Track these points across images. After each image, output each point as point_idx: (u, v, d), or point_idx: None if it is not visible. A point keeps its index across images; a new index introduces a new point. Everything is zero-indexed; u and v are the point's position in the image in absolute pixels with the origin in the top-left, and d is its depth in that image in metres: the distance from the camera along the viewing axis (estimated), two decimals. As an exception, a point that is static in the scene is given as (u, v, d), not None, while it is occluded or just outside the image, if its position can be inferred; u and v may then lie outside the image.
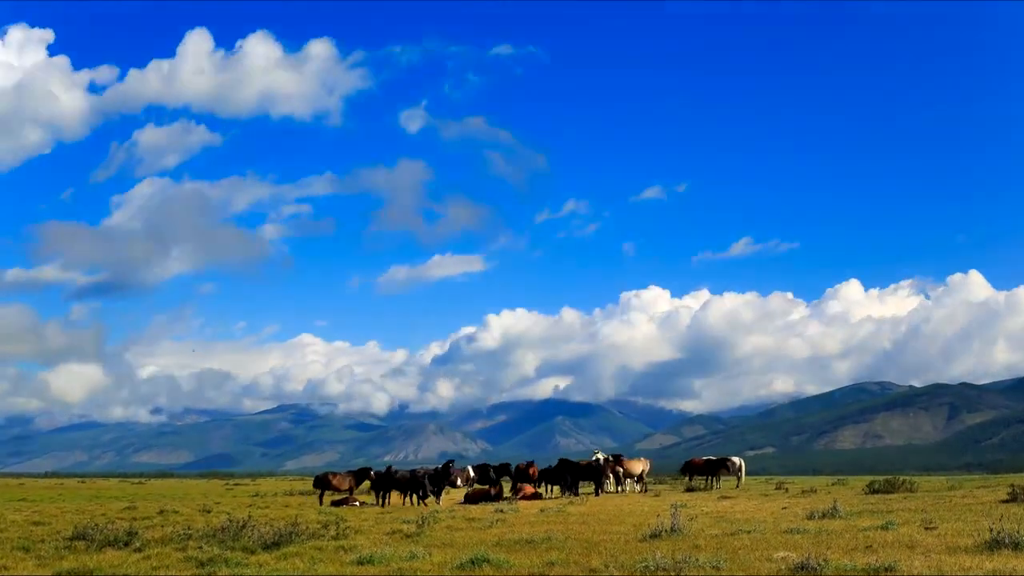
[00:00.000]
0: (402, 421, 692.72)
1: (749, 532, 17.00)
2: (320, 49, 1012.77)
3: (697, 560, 12.95)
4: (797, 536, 16.15)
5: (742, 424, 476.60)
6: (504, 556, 14.23)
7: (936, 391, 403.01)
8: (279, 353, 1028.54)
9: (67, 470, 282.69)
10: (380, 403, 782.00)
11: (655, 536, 16.59)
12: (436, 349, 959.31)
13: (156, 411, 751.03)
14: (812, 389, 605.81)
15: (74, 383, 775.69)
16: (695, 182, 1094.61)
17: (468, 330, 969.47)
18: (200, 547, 16.20)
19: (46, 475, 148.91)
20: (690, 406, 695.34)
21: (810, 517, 20.08)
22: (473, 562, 13.57)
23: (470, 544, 16.37)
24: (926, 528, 16.70)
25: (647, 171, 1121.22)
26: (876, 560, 12.27)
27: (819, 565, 11.96)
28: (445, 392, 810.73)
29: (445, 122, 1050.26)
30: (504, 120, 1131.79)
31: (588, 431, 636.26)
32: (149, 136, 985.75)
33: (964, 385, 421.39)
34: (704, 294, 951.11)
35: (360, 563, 14.21)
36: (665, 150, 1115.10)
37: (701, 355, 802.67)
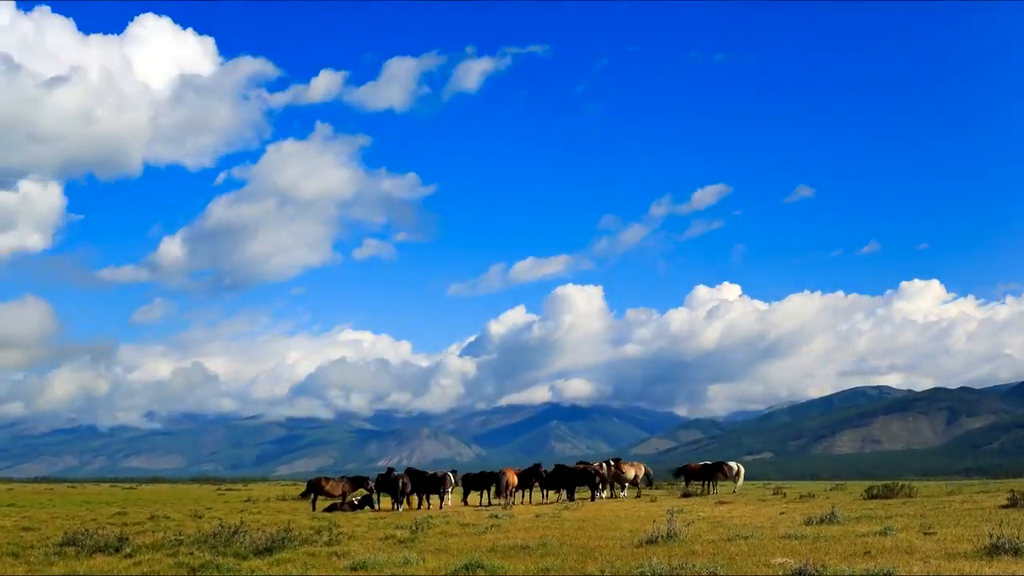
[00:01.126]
0: (396, 425, 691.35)
1: (746, 538, 16.85)
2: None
3: (694, 566, 12.81)
4: (795, 542, 16.00)
5: (739, 428, 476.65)
6: (499, 562, 14.08)
7: (935, 395, 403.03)
8: (297, 353, 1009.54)
9: (57, 475, 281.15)
10: (376, 406, 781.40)
11: (651, 542, 16.43)
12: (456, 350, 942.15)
13: (148, 415, 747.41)
14: (815, 392, 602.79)
15: (69, 386, 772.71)
16: (842, 183, 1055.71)
17: (505, 327, 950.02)
18: (191, 553, 16.01)
19: (36, 480, 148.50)
20: (698, 410, 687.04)
21: (808, 522, 19.93)
22: (467, 568, 13.39)
23: (464, 550, 16.21)
24: (925, 533, 16.57)
25: (794, 170, 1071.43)
26: (874, 566, 12.13)
27: (817, 571, 11.82)
28: (444, 393, 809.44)
29: (578, 120, 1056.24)
30: (639, 123, 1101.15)
31: (584, 435, 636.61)
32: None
33: (963, 389, 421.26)
34: (786, 295, 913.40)
35: (353, 569, 14.07)
36: (813, 149, 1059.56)
37: (730, 359, 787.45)
